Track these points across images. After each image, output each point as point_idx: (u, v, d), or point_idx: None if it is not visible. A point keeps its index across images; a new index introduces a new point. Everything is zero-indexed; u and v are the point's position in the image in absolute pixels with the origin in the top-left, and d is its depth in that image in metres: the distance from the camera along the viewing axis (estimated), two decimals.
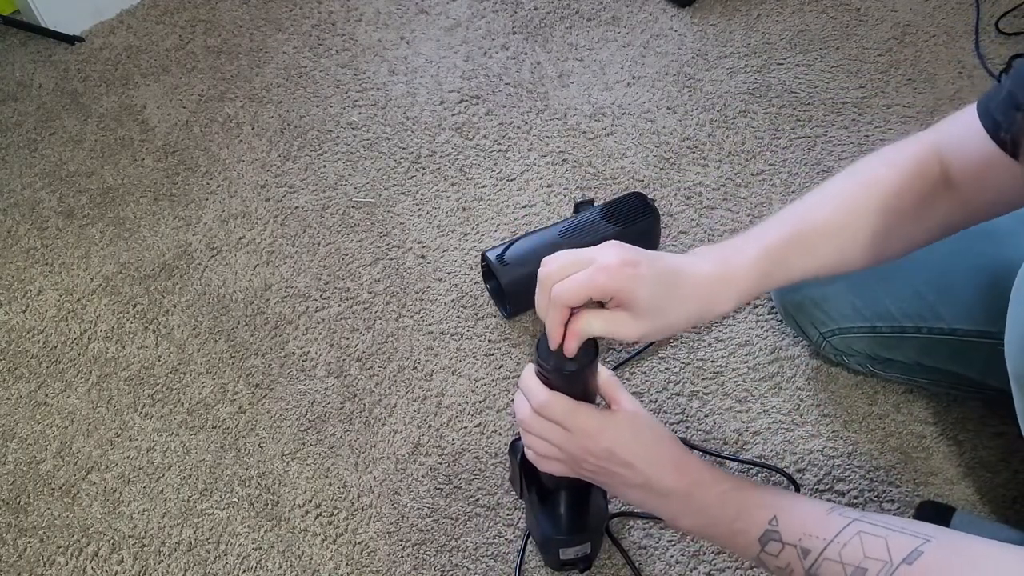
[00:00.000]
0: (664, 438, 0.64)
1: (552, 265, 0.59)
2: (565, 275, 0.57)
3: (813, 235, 0.64)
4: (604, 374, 0.65)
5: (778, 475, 0.89)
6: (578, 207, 1.07)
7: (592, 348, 0.61)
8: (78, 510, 0.92)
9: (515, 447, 0.76)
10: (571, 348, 0.58)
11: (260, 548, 0.88)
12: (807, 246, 0.64)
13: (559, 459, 0.65)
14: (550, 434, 0.63)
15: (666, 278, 0.59)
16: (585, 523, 0.77)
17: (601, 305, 0.59)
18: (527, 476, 0.76)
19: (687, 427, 0.94)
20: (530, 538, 0.86)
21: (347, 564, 0.87)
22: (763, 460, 0.90)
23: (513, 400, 0.97)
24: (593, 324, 0.58)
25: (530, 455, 0.67)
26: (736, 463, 0.90)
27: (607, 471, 0.63)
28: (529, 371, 0.64)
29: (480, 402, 0.98)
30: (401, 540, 0.88)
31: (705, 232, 1.11)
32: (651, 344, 1.00)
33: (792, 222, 0.65)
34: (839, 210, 0.65)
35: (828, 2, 1.41)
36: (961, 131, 0.62)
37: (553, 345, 0.59)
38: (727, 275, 0.62)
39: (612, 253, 0.58)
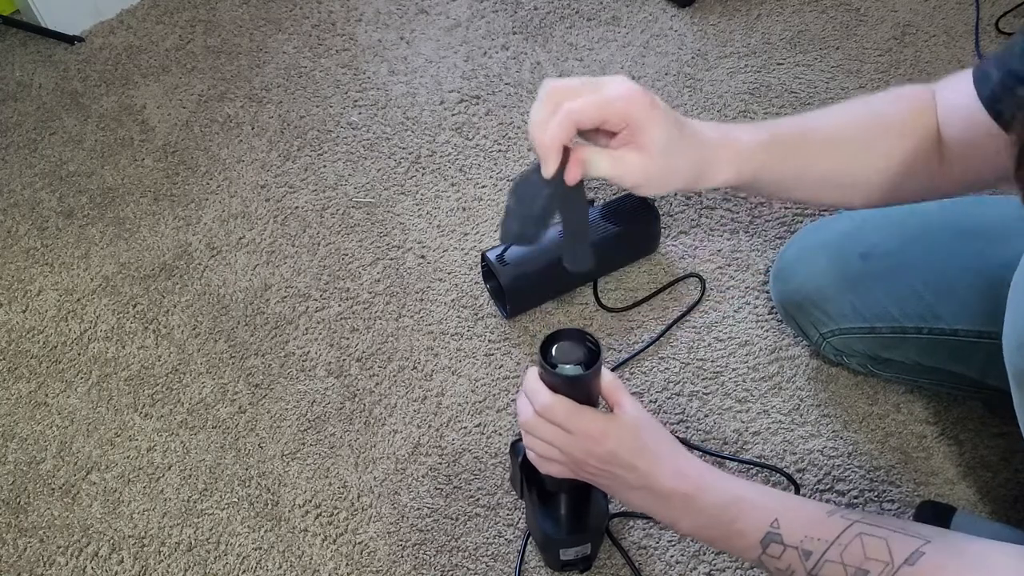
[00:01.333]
0: (665, 441, 0.64)
1: (561, 83, 0.54)
2: (577, 95, 0.53)
3: (818, 137, 0.66)
4: (607, 376, 0.65)
5: (778, 475, 0.89)
6: None
7: (595, 352, 0.62)
8: (78, 510, 0.92)
9: (516, 448, 0.76)
10: (573, 175, 0.54)
11: (260, 548, 0.88)
12: (811, 146, 0.66)
13: (560, 461, 0.65)
14: (552, 437, 0.63)
15: (675, 120, 0.57)
16: (585, 524, 0.77)
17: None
18: (528, 477, 0.76)
19: (687, 427, 0.94)
20: (530, 538, 0.86)
21: (347, 564, 0.87)
22: (763, 460, 0.90)
23: (514, 400, 0.97)
24: (600, 162, 0.54)
25: (531, 456, 0.67)
26: (736, 463, 0.90)
27: (609, 474, 0.63)
28: (532, 373, 0.64)
29: (480, 402, 0.98)
30: (401, 540, 0.88)
31: (705, 232, 1.11)
32: (651, 344, 1.00)
33: (800, 121, 0.66)
34: (848, 127, 0.66)
35: (828, 2, 1.41)
36: (956, 94, 0.63)
37: (548, 171, 0.53)
38: (730, 142, 0.61)
39: (627, 82, 0.54)
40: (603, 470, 0.63)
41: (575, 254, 0.59)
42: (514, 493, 0.90)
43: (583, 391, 0.63)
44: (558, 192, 0.54)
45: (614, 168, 0.55)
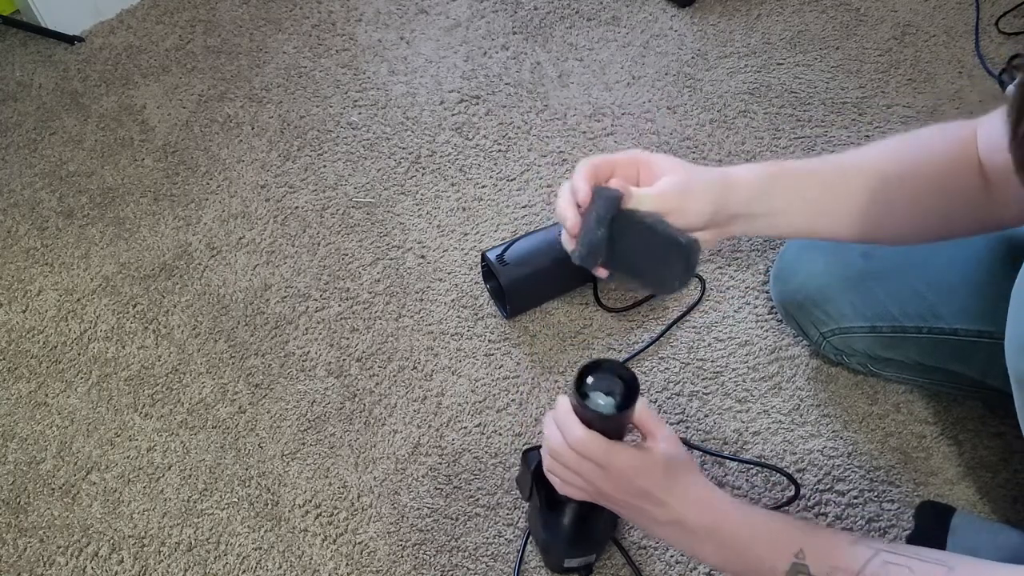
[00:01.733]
0: (694, 474, 0.64)
1: None
2: None
3: (851, 167, 0.66)
4: (640, 403, 0.65)
5: (778, 475, 0.89)
6: None
7: (631, 388, 0.61)
8: (78, 510, 0.92)
9: (528, 457, 0.76)
10: (617, 185, 0.60)
11: (260, 548, 0.88)
12: (840, 174, 0.66)
13: (587, 490, 0.65)
14: (583, 470, 0.63)
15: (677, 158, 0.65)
16: (595, 536, 0.77)
17: None
18: (539, 486, 0.75)
19: (687, 427, 0.94)
20: (530, 538, 0.86)
21: (347, 564, 0.87)
22: (763, 460, 0.90)
23: (514, 401, 0.97)
24: (643, 195, 0.61)
25: (555, 482, 0.68)
26: (736, 463, 0.90)
27: (637, 508, 0.64)
28: (564, 404, 0.64)
29: (480, 402, 0.98)
30: (401, 540, 0.88)
31: None
32: (651, 344, 1.00)
33: (826, 157, 0.68)
34: (875, 159, 0.66)
35: (828, 2, 1.41)
36: (997, 123, 0.62)
37: (581, 198, 0.60)
38: (736, 173, 0.66)
39: None
40: (631, 504, 0.64)
41: (669, 273, 0.62)
42: (514, 493, 0.90)
43: (617, 426, 0.63)
44: (605, 219, 0.60)
45: (655, 191, 0.62)
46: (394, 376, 1.01)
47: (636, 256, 0.61)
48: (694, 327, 1.02)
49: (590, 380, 0.62)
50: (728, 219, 0.65)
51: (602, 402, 0.61)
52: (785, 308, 0.94)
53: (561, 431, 0.63)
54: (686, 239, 0.60)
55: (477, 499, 0.90)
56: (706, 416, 0.95)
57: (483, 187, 1.19)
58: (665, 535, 0.65)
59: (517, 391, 0.98)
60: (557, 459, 0.65)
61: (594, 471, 0.63)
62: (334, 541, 0.88)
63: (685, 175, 0.62)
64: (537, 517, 0.79)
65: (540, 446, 0.78)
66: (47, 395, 1.02)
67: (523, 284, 0.99)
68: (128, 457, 0.96)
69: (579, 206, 0.60)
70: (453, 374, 1.00)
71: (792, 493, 0.88)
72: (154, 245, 1.17)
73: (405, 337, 1.04)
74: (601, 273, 0.63)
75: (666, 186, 0.62)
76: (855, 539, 0.58)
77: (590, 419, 0.62)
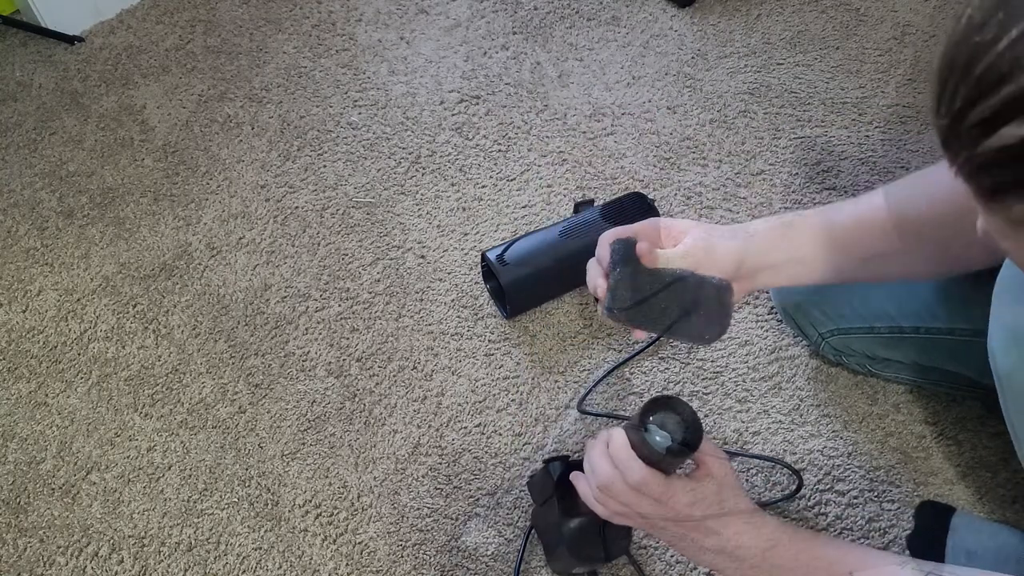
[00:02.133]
0: (743, 500, 0.65)
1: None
2: None
3: (860, 213, 0.68)
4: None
5: (777, 475, 0.89)
6: (578, 207, 1.07)
7: (697, 432, 0.61)
8: (78, 510, 0.93)
9: (551, 467, 0.76)
10: (645, 247, 0.64)
11: (260, 548, 0.89)
12: (850, 224, 0.68)
13: (635, 520, 0.66)
14: (638, 505, 0.64)
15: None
16: (611, 550, 0.77)
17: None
18: (560, 498, 0.75)
19: None
20: (529, 538, 0.86)
21: (347, 564, 0.87)
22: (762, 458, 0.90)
23: (514, 401, 0.97)
24: (671, 254, 0.64)
25: (600, 511, 0.68)
26: (742, 457, 0.90)
27: (687, 537, 0.64)
28: (621, 439, 0.64)
29: (480, 402, 0.98)
30: (401, 540, 0.88)
31: None
32: (651, 344, 1.00)
33: (840, 204, 0.70)
34: (891, 204, 0.68)
35: (828, 2, 1.41)
36: None
37: (604, 259, 0.63)
38: (754, 225, 0.69)
39: None
40: (682, 534, 0.64)
41: (705, 318, 0.64)
42: (514, 493, 0.90)
43: (677, 464, 0.63)
44: (630, 266, 0.64)
45: (680, 250, 0.64)
46: (394, 376, 1.01)
47: (669, 309, 0.63)
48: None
49: (653, 417, 0.62)
50: (752, 271, 0.67)
51: (659, 439, 0.61)
52: (784, 308, 0.94)
53: (619, 469, 0.63)
54: (718, 280, 0.62)
55: (477, 499, 0.90)
56: (706, 416, 0.95)
57: (483, 187, 1.19)
58: (709, 560, 0.65)
59: (517, 391, 0.98)
60: (609, 494, 0.65)
61: (650, 505, 0.63)
62: (334, 541, 0.88)
63: (707, 233, 0.65)
64: (553, 528, 0.78)
65: (563, 456, 0.78)
66: (47, 395, 1.02)
67: (523, 284, 0.99)
68: (128, 457, 0.96)
69: (607, 276, 0.63)
70: (453, 374, 1.00)
71: (794, 487, 0.87)
72: (154, 245, 1.17)
73: (405, 337, 1.04)
74: (639, 335, 0.64)
75: (690, 245, 0.64)
76: (903, 561, 0.59)
77: (648, 456, 0.62)
